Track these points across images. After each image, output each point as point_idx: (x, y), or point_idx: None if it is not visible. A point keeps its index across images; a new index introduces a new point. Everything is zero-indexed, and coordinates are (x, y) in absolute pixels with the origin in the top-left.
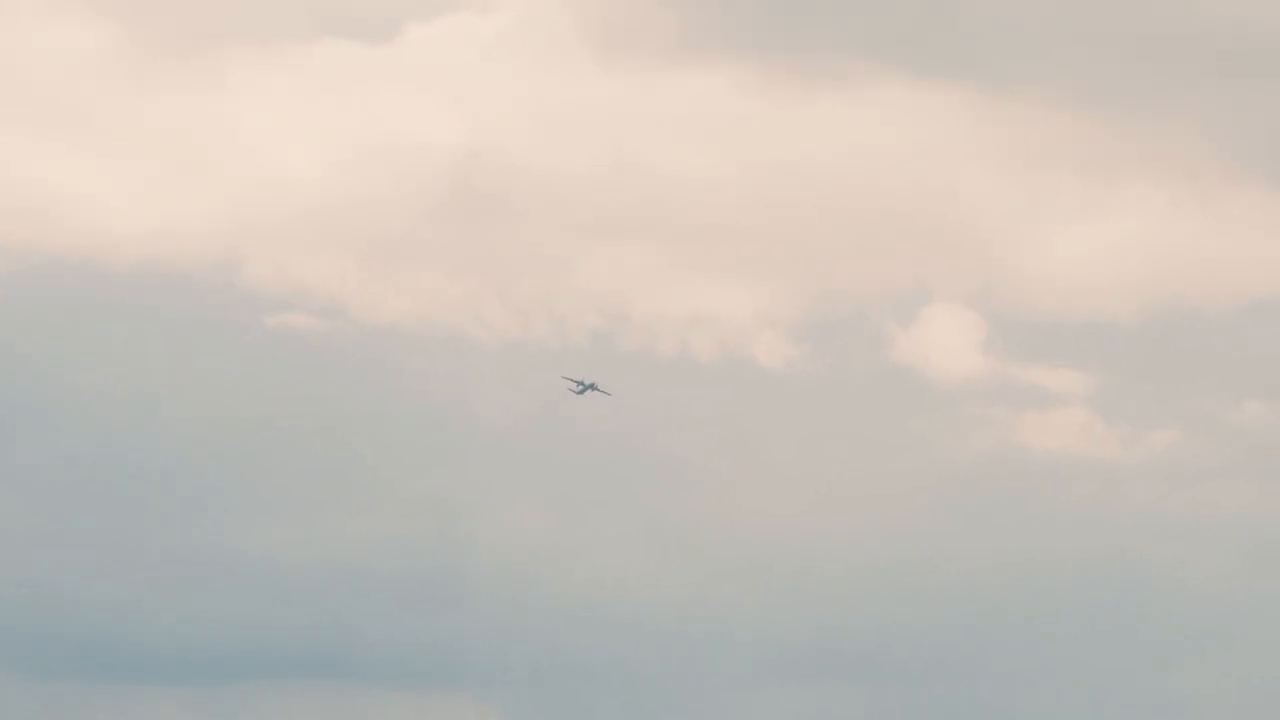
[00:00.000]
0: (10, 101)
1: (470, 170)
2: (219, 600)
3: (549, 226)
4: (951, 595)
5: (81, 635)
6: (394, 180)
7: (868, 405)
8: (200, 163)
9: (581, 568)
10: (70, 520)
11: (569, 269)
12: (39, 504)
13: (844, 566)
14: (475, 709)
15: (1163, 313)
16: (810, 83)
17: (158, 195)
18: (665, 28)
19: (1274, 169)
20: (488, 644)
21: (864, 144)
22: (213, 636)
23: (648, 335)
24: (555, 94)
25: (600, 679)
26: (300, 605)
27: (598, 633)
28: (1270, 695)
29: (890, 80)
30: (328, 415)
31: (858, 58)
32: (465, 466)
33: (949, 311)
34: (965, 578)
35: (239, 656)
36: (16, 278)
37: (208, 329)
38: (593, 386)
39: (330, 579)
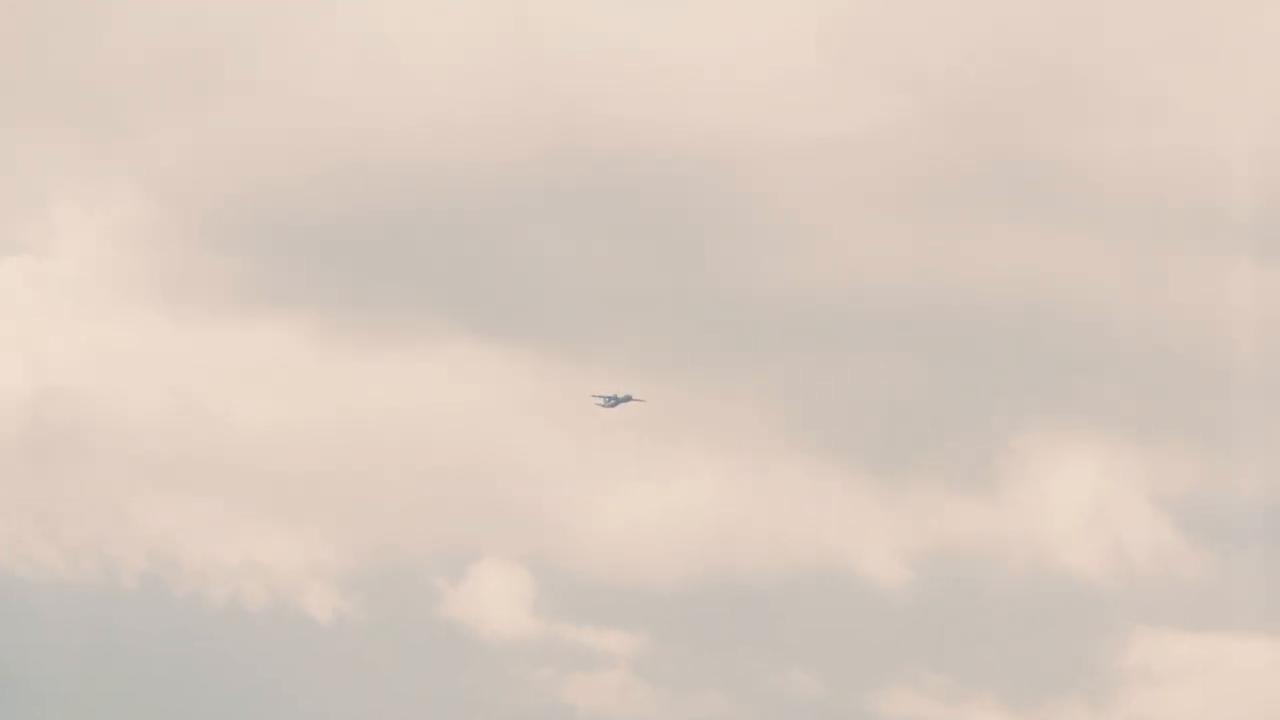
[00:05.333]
0: None
1: (33, 411)
2: None
3: (108, 469)
4: None
5: None
6: None
7: (416, 660)
8: None
9: None
10: None
11: (125, 512)
12: None
13: None
14: None
15: (712, 579)
16: (374, 338)
17: None
18: (231, 278)
19: (824, 442)
20: None
21: (424, 400)
22: None
23: (199, 581)
24: (119, 339)
25: None
26: None
27: None
28: None
29: (453, 338)
30: None
31: (422, 315)
32: (11, 709)
33: (500, 569)
34: None
35: None
36: None
37: None
38: (628, 399)
39: None
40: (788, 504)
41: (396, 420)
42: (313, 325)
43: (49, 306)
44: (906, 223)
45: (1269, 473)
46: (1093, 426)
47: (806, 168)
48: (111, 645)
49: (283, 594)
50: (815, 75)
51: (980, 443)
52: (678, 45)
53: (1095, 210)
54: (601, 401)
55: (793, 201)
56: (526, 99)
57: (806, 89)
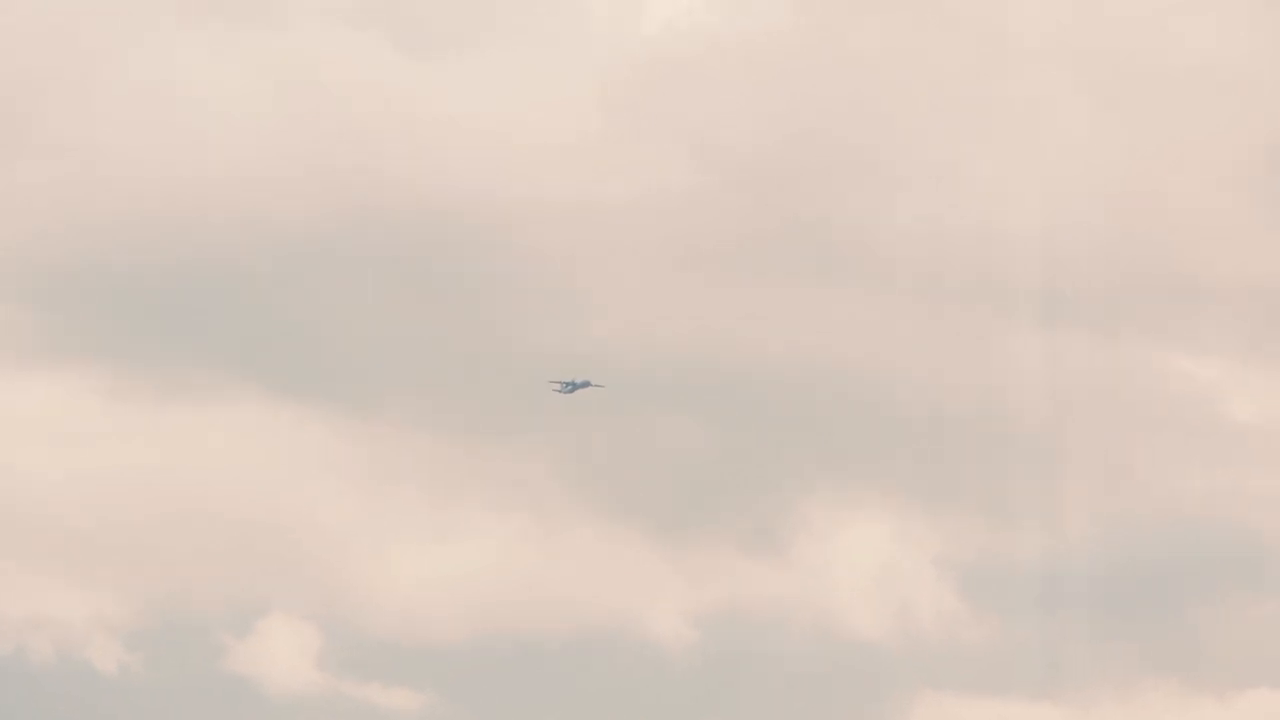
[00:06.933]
0: None
1: None
2: None
3: None
4: None
5: None
6: None
7: (201, 714)
8: None
9: None
10: None
11: None
12: None
13: None
14: None
15: (499, 638)
16: (162, 392)
17: None
18: (18, 329)
19: (611, 503)
20: None
21: (212, 456)
22: None
23: None
24: None
25: None
26: None
27: None
28: None
29: (243, 394)
30: None
31: (211, 370)
32: None
33: (287, 624)
34: None
35: None
36: None
37: None
38: (586, 384)
39: None
40: (575, 563)
41: (185, 475)
42: (100, 378)
43: None
44: (693, 287)
45: (1049, 539)
46: (879, 491)
47: (592, 231)
48: None
49: (68, 647)
50: (600, 140)
51: (767, 506)
52: (464, 107)
53: (881, 279)
54: (559, 387)
55: (581, 264)
56: (314, 157)
57: (591, 152)
